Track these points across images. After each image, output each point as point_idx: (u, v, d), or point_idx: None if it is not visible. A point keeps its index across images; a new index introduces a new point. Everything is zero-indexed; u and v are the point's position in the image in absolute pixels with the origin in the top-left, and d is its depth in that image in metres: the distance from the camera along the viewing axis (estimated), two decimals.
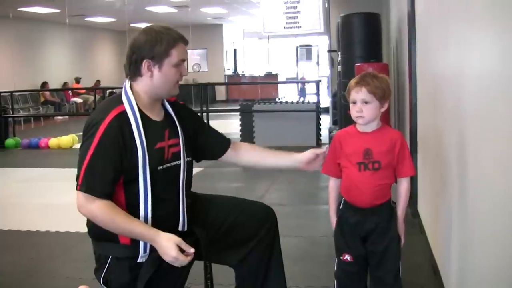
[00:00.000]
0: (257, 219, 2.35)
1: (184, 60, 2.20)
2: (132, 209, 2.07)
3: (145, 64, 2.13)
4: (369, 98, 2.20)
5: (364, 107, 2.21)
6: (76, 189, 2.04)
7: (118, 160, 2.04)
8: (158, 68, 2.14)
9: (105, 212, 2.01)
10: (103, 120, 2.05)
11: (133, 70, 2.17)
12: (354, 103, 2.24)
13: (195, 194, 2.38)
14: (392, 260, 2.29)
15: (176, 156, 2.21)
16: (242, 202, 2.42)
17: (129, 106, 2.10)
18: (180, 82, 2.26)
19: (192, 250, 2.03)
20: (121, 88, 2.20)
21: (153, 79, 2.15)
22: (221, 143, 2.46)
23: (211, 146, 2.45)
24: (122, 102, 2.11)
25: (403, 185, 2.31)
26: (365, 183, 2.25)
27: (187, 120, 2.34)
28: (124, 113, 2.08)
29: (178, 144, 2.22)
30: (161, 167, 2.13)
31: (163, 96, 2.23)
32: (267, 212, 2.40)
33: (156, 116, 2.21)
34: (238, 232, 2.32)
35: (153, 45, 2.12)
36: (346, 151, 2.30)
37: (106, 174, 2.02)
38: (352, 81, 2.27)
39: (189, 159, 2.28)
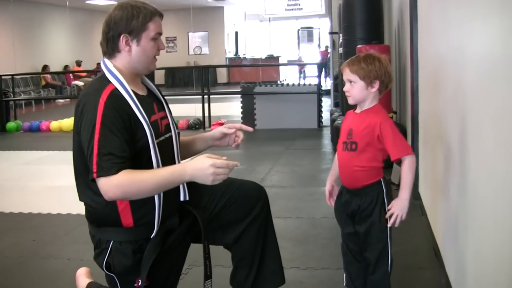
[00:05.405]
0: (250, 198, 2.36)
1: (160, 33, 2.17)
2: None
3: (123, 39, 2.10)
4: (353, 78, 2.27)
5: (350, 87, 2.29)
6: (94, 178, 1.95)
7: (125, 134, 1.99)
8: (136, 42, 2.11)
9: (130, 178, 1.94)
10: (97, 103, 1.99)
11: (110, 47, 2.14)
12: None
13: None
14: (374, 244, 2.30)
15: (168, 128, 2.21)
16: (234, 181, 2.40)
17: (119, 84, 2.06)
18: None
19: (235, 163, 2.00)
20: None
21: (132, 54, 2.12)
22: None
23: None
24: (109, 81, 2.07)
25: (403, 165, 2.26)
26: (344, 163, 2.33)
27: (164, 99, 2.32)
28: (116, 91, 2.04)
29: (166, 116, 2.23)
30: (157, 140, 2.10)
31: (142, 72, 2.19)
32: (259, 190, 2.42)
33: (141, 90, 2.19)
34: (232, 211, 2.33)
35: (130, 19, 2.09)
36: (340, 130, 2.39)
37: (117, 151, 1.95)
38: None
39: (178, 130, 2.28)
